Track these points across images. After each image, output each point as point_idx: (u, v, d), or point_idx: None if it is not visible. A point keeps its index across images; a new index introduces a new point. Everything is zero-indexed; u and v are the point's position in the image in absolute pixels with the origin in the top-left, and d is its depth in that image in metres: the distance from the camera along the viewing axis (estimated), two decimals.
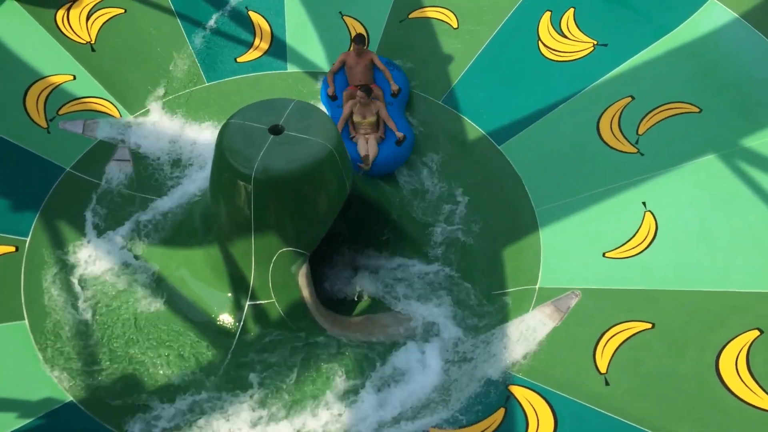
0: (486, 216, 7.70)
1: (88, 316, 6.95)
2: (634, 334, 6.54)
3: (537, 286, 7.11)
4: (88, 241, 7.42)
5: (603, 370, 6.42)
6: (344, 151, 6.86)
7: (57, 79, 8.35)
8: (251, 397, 6.65)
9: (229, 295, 7.08)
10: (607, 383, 6.34)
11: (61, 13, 8.80)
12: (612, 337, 6.56)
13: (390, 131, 8.01)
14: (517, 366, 6.61)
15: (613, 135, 7.89)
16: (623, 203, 7.40)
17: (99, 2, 8.95)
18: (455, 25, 9.04)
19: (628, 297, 6.82)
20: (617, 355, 6.44)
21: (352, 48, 8.43)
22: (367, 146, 7.89)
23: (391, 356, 6.89)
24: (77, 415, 6.36)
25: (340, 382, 6.76)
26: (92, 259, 7.31)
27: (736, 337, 6.32)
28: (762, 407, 5.99)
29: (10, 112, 8.03)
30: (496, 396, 6.45)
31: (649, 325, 6.58)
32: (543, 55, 8.65)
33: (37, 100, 8.18)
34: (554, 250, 7.29)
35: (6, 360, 6.57)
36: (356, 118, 7.97)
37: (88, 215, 7.60)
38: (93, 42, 8.71)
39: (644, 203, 7.36)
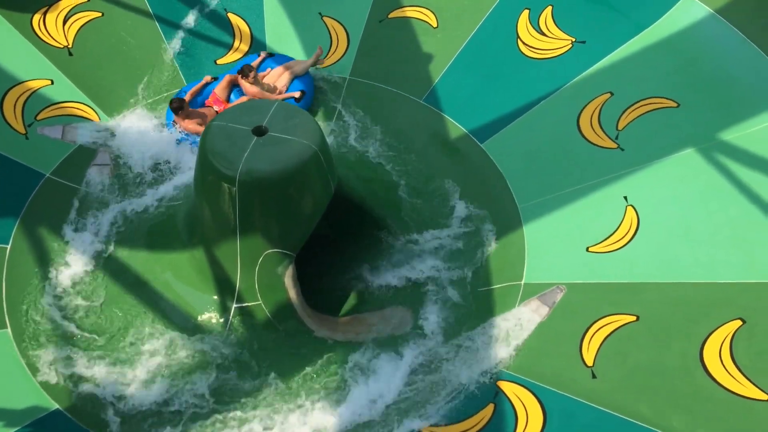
0: (470, 213, 7.73)
1: (71, 322, 6.88)
2: (619, 327, 6.61)
3: (522, 282, 7.16)
4: (70, 247, 7.33)
5: (590, 363, 6.48)
6: (328, 151, 6.86)
7: (34, 84, 8.25)
8: (238, 399, 6.62)
9: (215, 297, 7.05)
10: (594, 376, 6.41)
11: (37, 17, 8.69)
12: (597, 330, 6.63)
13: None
14: (504, 361, 6.66)
15: (594, 131, 7.97)
16: (605, 198, 7.48)
17: (76, 6, 8.85)
18: (435, 25, 9.07)
19: (613, 290, 6.89)
20: (603, 348, 6.51)
21: (178, 117, 8.02)
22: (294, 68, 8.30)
23: (378, 355, 6.89)
24: (64, 422, 6.29)
25: (328, 381, 6.76)
26: (74, 264, 7.23)
27: (719, 327, 6.42)
28: (746, 395, 6.08)
29: None
30: (485, 392, 6.49)
31: (634, 318, 6.65)
32: (522, 52, 8.71)
33: (15, 105, 8.07)
34: (538, 245, 7.35)
35: None
36: (268, 89, 8.17)
37: (70, 221, 7.51)
38: (70, 46, 8.61)
39: (626, 198, 7.44)
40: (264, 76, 8.34)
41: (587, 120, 8.06)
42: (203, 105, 8.19)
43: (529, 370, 6.54)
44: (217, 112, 8.03)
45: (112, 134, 8.11)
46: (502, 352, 6.70)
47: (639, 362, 6.43)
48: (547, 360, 6.59)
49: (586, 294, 6.92)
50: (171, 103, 7.89)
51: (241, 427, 6.46)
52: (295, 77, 8.40)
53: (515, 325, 6.85)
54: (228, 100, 8.20)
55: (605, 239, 7.22)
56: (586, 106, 8.14)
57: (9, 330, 6.74)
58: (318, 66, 8.59)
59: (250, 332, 6.96)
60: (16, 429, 6.14)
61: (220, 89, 8.15)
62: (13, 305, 6.88)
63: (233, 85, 8.26)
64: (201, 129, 7.92)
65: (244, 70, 8.10)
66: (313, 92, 8.46)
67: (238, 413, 6.55)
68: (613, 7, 8.92)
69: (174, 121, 8.02)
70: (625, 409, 6.18)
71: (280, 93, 8.25)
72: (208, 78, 8.30)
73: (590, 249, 7.20)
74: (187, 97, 8.11)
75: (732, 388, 6.13)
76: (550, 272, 7.14)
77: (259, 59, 8.48)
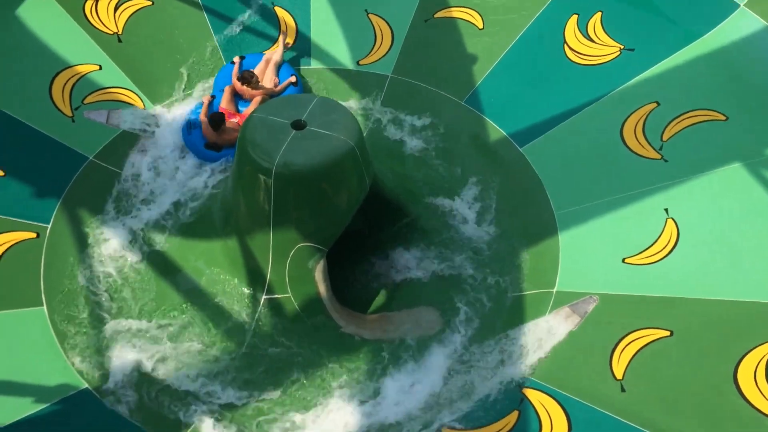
0: (505, 217, 7.66)
1: (105, 304, 7.00)
2: (652, 341, 6.47)
3: (554, 290, 7.05)
4: (108, 230, 7.46)
5: (619, 376, 6.35)
6: (365, 147, 6.86)
7: (83, 69, 8.42)
8: (261, 390, 6.65)
9: (246, 288, 7.10)
10: (623, 390, 6.28)
11: (89, 3, 8.86)
12: (629, 343, 6.49)
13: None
14: (531, 369, 6.57)
15: (637, 140, 7.82)
16: (645, 209, 7.32)
17: None
18: (480, 26, 9.00)
19: (647, 304, 6.75)
20: (634, 362, 6.38)
21: (218, 132, 7.94)
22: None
23: (405, 354, 6.87)
24: (92, 401, 6.40)
25: (352, 379, 6.75)
26: (111, 247, 7.36)
27: (756, 347, 6.23)
28: None
29: (37, 100, 8.09)
30: (510, 398, 6.41)
31: (668, 333, 6.50)
32: (568, 58, 8.59)
33: (63, 88, 8.25)
34: (573, 253, 7.24)
35: (24, 345, 6.63)
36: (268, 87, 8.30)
37: (109, 204, 7.65)
38: (120, 33, 8.77)
39: (666, 210, 7.28)
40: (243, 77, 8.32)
41: (631, 129, 7.90)
42: None
43: (556, 379, 6.44)
44: (237, 124, 8.00)
45: (155, 121, 8.23)
46: (530, 359, 6.62)
47: (670, 378, 6.28)
48: (575, 370, 6.48)
49: (619, 306, 6.79)
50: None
51: (261, 419, 6.49)
52: (278, 67, 8.52)
53: (545, 333, 6.75)
54: (237, 110, 8.21)
55: (643, 251, 7.07)
56: (631, 114, 7.98)
57: (45, 308, 6.89)
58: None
59: (278, 324, 6.99)
60: (45, 405, 6.27)
61: (225, 103, 8.15)
62: (49, 284, 7.02)
63: (235, 95, 8.27)
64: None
65: (246, 77, 8.16)
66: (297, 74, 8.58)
67: (260, 405, 6.58)
68: (665, 15, 8.73)
69: (209, 143, 7.90)
70: (653, 424, 6.03)
71: (276, 86, 8.37)
72: (208, 97, 8.27)
73: (626, 260, 7.06)
74: (202, 118, 8.00)
75: (765, 410, 5.94)
76: (584, 281, 7.02)
77: (236, 67, 8.44)
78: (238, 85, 8.24)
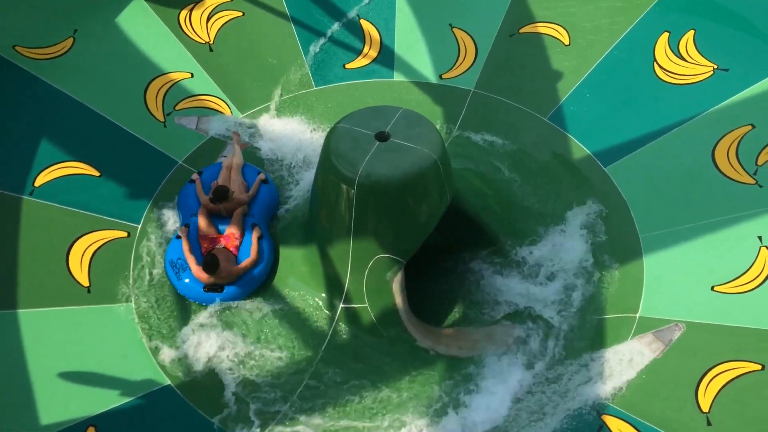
0: (587, 238, 7.48)
1: (189, 303, 7.18)
2: (741, 375, 6.21)
3: (637, 315, 6.85)
4: None
5: (705, 409, 6.11)
6: (448, 162, 6.85)
7: (176, 76, 8.71)
8: (334, 399, 6.69)
9: (324, 295, 7.18)
10: (709, 423, 6.04)
11: (184, 13, 9.19)
12: (717, 375, 6.25)
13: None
14: (611, 395, 6.39)
15: (730, 164, 7.54)
16: (737, 236, 7.06)
17: (220, 4, 9.31)
18: (567, 42, 8.88)
19: (737, 335, 6.48)
20: (722, 395, 6.13)
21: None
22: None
23: (479, 372, 6.79)
24: (173, 398, 6.58)
25: (424, 394, 6.71)
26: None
27: None
28: None
29: (132, 105, 8.42)
30: (588, 425, 6.25)
31: (759, 367, 6.23)
32: (658, 76, 8.37)
33: (157, 94, 8.55)
34: (658, 279, 7.02)
35: (112, 340, 6.87)
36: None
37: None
38: (211, 42, 9.05)
39: (760, 238, 6.98)
40: (216, 184, 7.51)
41: (724, 152, 7.63)
42: (200, 250, 7.23)
43: (637, 407, 6.24)
44: (225, 248, 7.21)
45: (242, 129, 8.43)
46: (610, 385, 6.44)
47: (760, 414, 6.02)
48: (658, 399, 6.26)
49: (707, 335, 6.54)
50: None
51: (331, 428, 6.51)
52: (240, 169, 7.73)
53: (626, 359, 6.56)
54: (219, 232, 7.33)
55: (733, 279, 6.79)
56: (723, 137, 7.71)
57: (133, 304, 7.13)
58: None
59: (354, 334, 7.03)
60: (129, 399, 6.49)
61: (204, 228, 7.29)
62: (138, 282, 7.25)
63: (211, 216, 7.39)
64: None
65: (220, 195, 7.27)
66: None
67: (332, 413, 6.61)
68: (762, 35, 8.42)
69: (207, 286, 7.06)
70: None
71: (247, 190, 7.53)
72: (183, 229, 7.31)
73: (716, 288, 6.80)
74: (188, 257, 7.08)
75: None
76: (669, 308, 6.80)
77: (198, 185, 7.58)
78: (211, 205, 7.32)
